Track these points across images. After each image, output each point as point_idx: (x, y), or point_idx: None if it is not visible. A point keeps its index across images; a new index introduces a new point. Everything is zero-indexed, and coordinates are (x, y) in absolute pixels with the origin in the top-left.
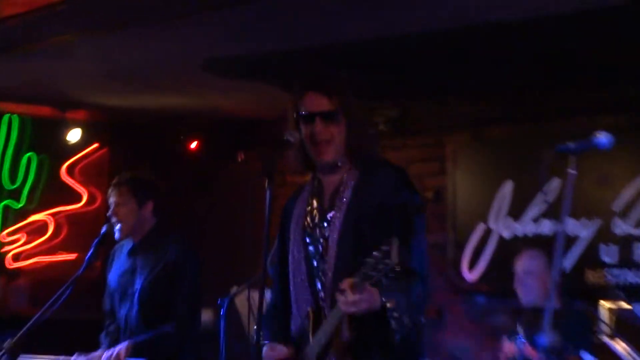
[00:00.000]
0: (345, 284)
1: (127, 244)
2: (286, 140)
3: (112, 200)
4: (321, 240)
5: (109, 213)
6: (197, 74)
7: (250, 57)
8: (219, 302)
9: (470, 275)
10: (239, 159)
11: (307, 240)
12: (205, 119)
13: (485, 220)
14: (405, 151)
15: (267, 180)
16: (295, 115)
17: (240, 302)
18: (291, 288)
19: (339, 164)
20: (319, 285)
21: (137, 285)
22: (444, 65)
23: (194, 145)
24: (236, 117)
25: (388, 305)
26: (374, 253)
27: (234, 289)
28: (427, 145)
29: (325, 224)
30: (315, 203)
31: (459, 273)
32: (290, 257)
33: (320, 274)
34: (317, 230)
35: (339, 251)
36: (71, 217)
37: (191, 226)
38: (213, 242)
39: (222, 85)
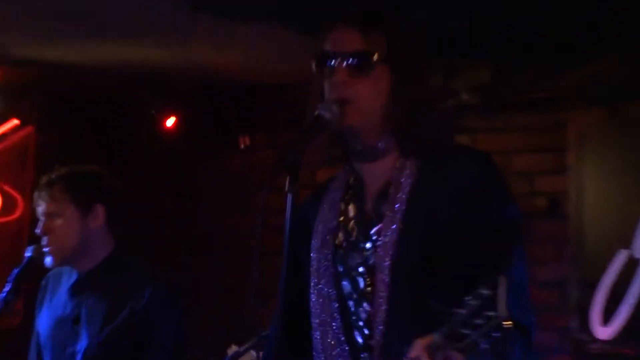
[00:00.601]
0: (420, 346)
1: (68, 275)
2: (317, 116)
3: (40, 209)
4: (362, 270)
5: (38, 230)
6: (179, 15)
7: None
8: None
9: (605, 331)
10: (242, 146)
11: (340, 269)
12: (188, 83)
13: (628, 245)
14: (502, 136)
15: (288, 179)
16: (317, 67)
17: None
18: (315, 343)
19: (384, 144)
20: (359, 340)
21: (82, 342)
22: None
23: (170, 122)
24: (235, 80)
25: None
26: (468, 300)
27: (234, 350)
28: (537, 127)
29: (369, 245)
30: (351, 210)
31: (586, 327)
32: (312, 296)
33: (362, 324)
34: (356, 255)
35: (392, 288)
36: None
37: (167, 251)
38: (201, 276)
39: (214, 32)
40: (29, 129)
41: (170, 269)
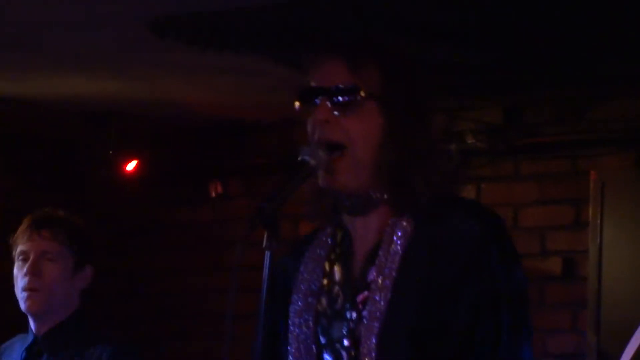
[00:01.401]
0: None
1: (21, 343)
2: (301, 161)
3: (30, 245)
4: (347, 344)
5: (24, 268)
6: (141, 42)
7: (228, 13)
8: None
9: None
10: (213, 194)
11: (322, 340)
12: (152, 121)
13: None
14: (511, 185)
15: (266, 235)
16: (301, 106)
17: None
18: None
19: (374, 195)
20: None
21: None
22: (594, 28)
23: (130, 166)
24: (207, 118)
25: None
26: None
27: None
28: (551, 175)
29: (354, 315)
30: (337, 272)
31: None
32: None
33: None
34: (341, 325)
35: None
36: None
37: (128, 315)
38: (168, 344)
39: (184, 63)
40: None
41: (129, 336)
